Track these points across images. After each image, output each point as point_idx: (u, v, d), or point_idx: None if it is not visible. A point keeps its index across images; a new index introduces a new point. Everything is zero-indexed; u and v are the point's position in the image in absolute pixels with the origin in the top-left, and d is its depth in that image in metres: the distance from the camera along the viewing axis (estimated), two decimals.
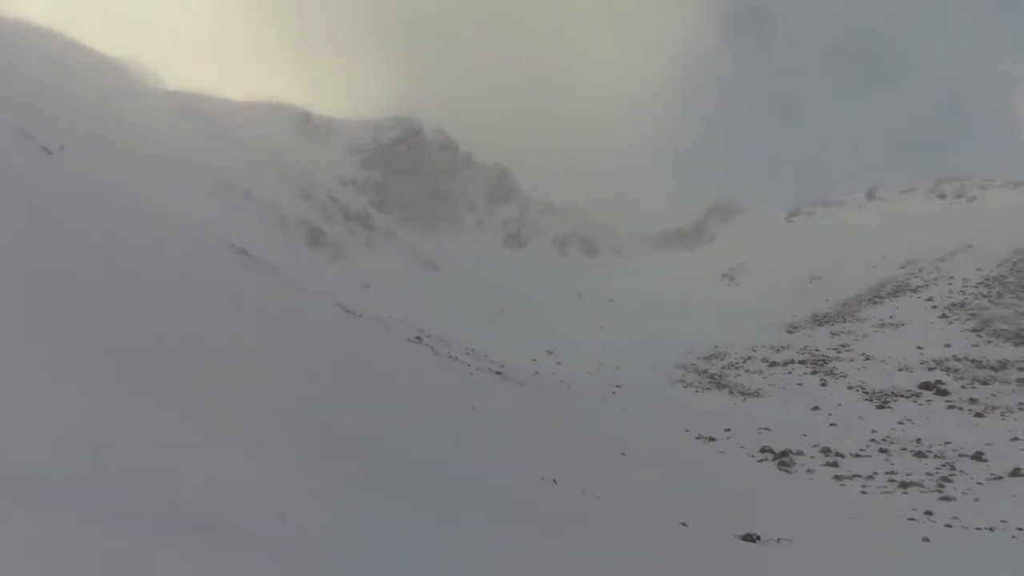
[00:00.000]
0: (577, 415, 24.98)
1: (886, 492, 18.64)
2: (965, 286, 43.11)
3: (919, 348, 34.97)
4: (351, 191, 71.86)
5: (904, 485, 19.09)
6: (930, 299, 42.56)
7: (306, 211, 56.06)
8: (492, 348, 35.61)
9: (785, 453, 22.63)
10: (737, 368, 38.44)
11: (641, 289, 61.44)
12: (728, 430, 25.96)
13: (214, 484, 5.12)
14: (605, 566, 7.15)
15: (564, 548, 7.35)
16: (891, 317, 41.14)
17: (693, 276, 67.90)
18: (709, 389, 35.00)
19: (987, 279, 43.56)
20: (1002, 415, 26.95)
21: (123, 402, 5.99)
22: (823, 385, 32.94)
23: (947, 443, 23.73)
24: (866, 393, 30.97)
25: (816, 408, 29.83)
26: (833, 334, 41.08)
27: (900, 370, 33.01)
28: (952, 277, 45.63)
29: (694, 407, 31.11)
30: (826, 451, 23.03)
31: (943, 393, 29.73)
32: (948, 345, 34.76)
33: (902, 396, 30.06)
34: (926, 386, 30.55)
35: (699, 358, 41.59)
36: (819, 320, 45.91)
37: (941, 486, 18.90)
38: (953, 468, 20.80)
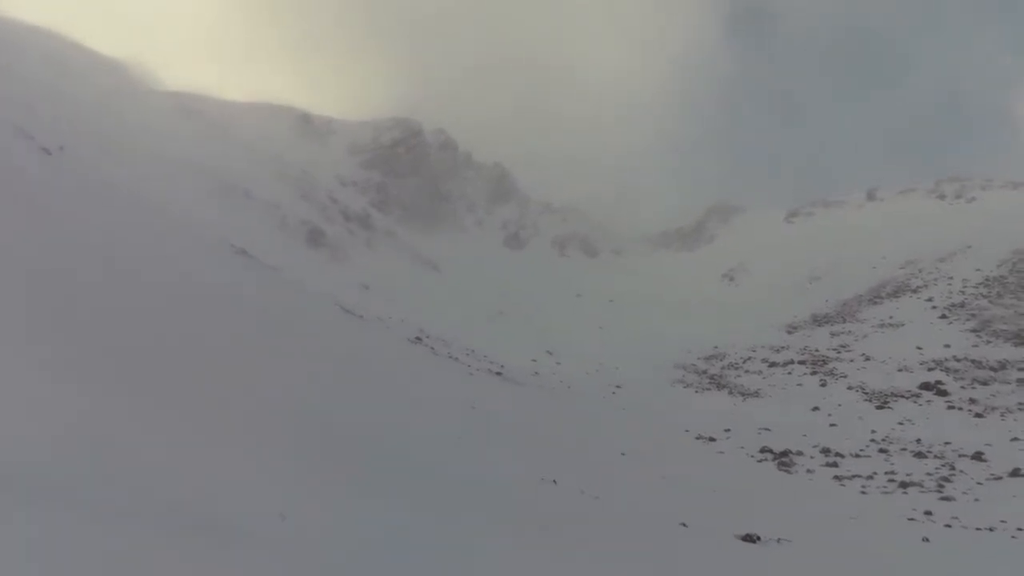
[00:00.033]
0: (577, 415, 24.98)
1: (886, 492, 18.64)
2: (965, 286, 43.11)
3: (919, 348, 34.97)
4: (351, 191, 71.85)
5: (904, 485, 19.08)
6: (930, 299, 42.56)
7: (306, 211, 56.05)
8: (492, 348, 35.61)
9: (785, 453, 22.63)
10: (737, 368, 38.44)
11: (641, 289, 61.43)
12: (728, 430, 25.96)
13: (214, 484, 5.12)
14: (605, 566, 7.15)
15: (564, 548, 7.36)
16: (891, 317, 41.14)
17: (693, 276, 67.90)
18: (709, 389, 34.99)
19: (987, 279, 43.56)
20: (1002, 415, 26.95)
21: (123, 402, 5.99)
22: (823, 385, 32.94)
23: (947, 443, 23.73)
24: (866, 393, 30.97)
25: (816, 408, 29.82)
26: (833, 334, 41.08)
27: (900, 370, 33.01)
28: (952, 277, 45.63)
29: (694, 407, 31.11)
30: (826, 451, 23.03)
31: (943, 393, 29.73)
32: (948, 345, 34.76)
33: (902, 396, 30.05)
34: (926, 386, 30.55)
35: (699, 358, 41.58)
36: (819, 320, 45.91)
37: (941, 486, 18.90)
38: (953, 468, 20.80)
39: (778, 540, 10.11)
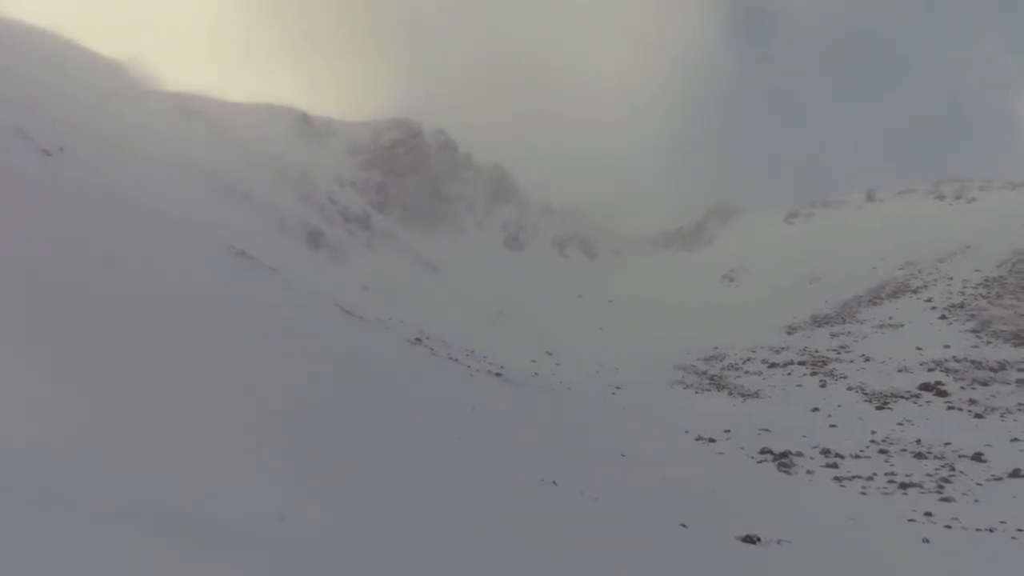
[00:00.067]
0: (577, 417, 24.95)
1: (886, 493, 18.63)
2: (964, 287, 43.12)
3: (919, 349, 34.96)
4: (351, 192, 71.84)
5: (904, 486, 19.07)
6: (929, 300, 42.56)
7: (306, 212, 56.04)
8: (492, 349, 35.60)
9: (785, 454, 22.62)
10: (737, 369, 38.42)
11: (641, 291, 61.41)
12: (728, 431, 25.94)
13: (214, 484, 5.12)
14: (605, 567, 7.14)
15: (564, 549, 7.35)
16: (890, 318, 41.14)
17: (693, 278, 67.88)
18: (709, 390, 34.97)
19: (986, 280, 43.56)
20: (1002, 416, 26.94)
21: (123, 402, 5.99)
22: (823, 386, 32.93)
23: (947, 444, 23.72)
24: (866, 394, 30.95)
25: (816, 409, 29.81)
26: (833, 335, 41.07)
27: (900, 371, 32.99)
28: (952, 278, 45.63)
29: (694, 408, 31.09)
30: (826, 452, 23.02)
31: (943, 394, 29.72)
32: (948, 346, 34.75)
33: (902, 397, 30.04)
34: (926, 387, 30.54)
35: (699, 359, 41.56)
36: (819, 321, 45.90)
37: (941, 487, 18.89)
38: (953, 469, 20.79)
39: (778, 541, 10.10)
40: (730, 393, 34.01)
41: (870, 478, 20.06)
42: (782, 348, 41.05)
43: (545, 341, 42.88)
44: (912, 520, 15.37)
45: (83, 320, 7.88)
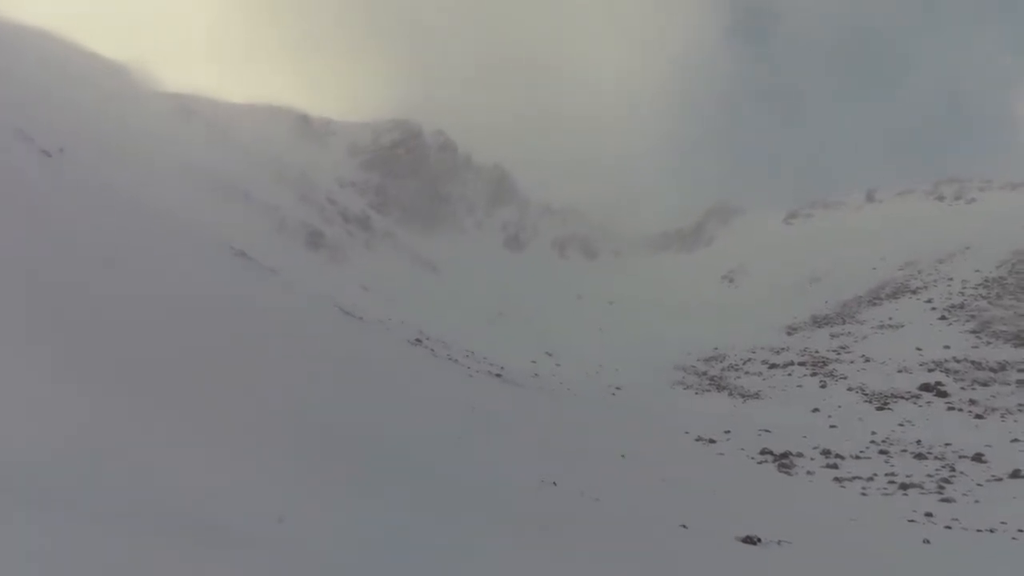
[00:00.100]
0: (577, 417, 24.95)
1: (886, 494, 18.62)
2: (964, 287, 43.12)
3: (919, 350, 34.96)
4: (350, 193, 71.83)
5: (904, 487, 19.06)
6: (929, 301, 42.56)
7: (305, 213, 56.03)
8: (492, 350, 35.59)
9: (785, 455, 22.61)
10: (737, 370, 38.42)
11: (641, 291, 61.39)
12: (728, 432, 25.93)
13: (214, 484, 5.11)
14: (605, 567, 7.14)
15: (564, 549, 7.35)
16: (890, 319, 41.13)
17: (692, 278, 67.85)
18: (709, 391, 34.97)
19: (986, 280, 43.56)
20: (1002, 416, 26.94)
21: (123, 402, 5.99)
22: (823, 387, 32.93)
23: (947, 445, 23.71)
24: (866, 395, 30.95)
25: (816, 410, 29.80)
26: (833, 336, 41.06)
27: (900, 372, 32.99)
28: (951, 279, 45.63)
29: (694, 409, 31.08)
30: (826, 453, 23.01)
31: (943, 395, 29.72)
32: (948, 347, 34.75)
33: (902, 398, 30.04)
34: (926, 388, 30.54)
35: (699, 360, 41.55)
36: (819, 322, 45.90)
37: (941, 488, 18.88)
38: (953, 470, 20.78)
39: (778, 542, 10.09)
40: (730, 394, 34.01)
41: (870, 479, 20.05)
42: (782, 349, 41.04)
43: (545, 342, 42.88)
44: (912, 521, 15.36)
45: (83, 320, 7.88)
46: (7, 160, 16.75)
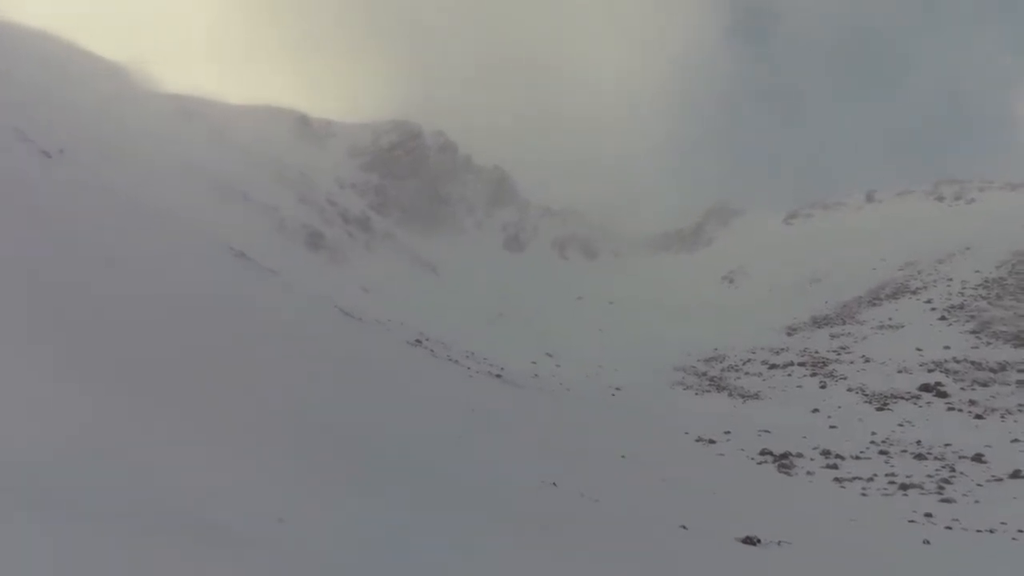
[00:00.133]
0: (577, 418, 24.96)
1: (886, 494, 18.62)
2: (964, 288, 43.14)
3: (918, 350, 34.98)
4: (350, 194, 71.85)
5: (904, 487, 19.07)
6: (929, 301, 42.58)
7: (305, 214, 56.05)
8: (492, 351, 35.60)
9: (785, 455, 22.61)
10: (737, 371, 38.43)
11: (641, 292, 61.40)
12: (728, 433, 25.94)
13: (215, 483, 5.12)
14: (605, 567, 7.14)
15: (564, 549, 7.35)
16: (890, 319, 41.15)
17: (692, 279, 67.86)
18: (709, 392, 34.98)
19: (986, 281, 43.58)
20: (1002, 417, 26.95)
21: (124, 402, 6.00)
22: (823, 387, 32.94)
23: (947, 445, 23.72)
24: (866, 395, 30.97)
25: (816, 410, 29.82)
26: (832, 336, 41.08)
27: (900, 372, 33.01)
28: (951, 279, 45.65)
29: (694, 410, 31.09)
30: (826, 453, 23.02)
31: (943, 395, 29.73)
32: (947, 347, 34.77)
33: (902, 398, 30.06)
34: (926, 388, 30.55)
35: (699, 361, 41.56)
36: (818, 322, 45.91)
37: (941, 488, 18.89)
38: (953, 470, 20.79)
39: (778, 542, 10.10)
40: (730, 394, 34.02)
41: (870, 479, 20.05)
42: (782, 349, 41.05)
43: (545, 342, 42.90)
44: (912, 521, 15.38)
45: (84, 320, 7.89)
46: (7, 161, 16.77)
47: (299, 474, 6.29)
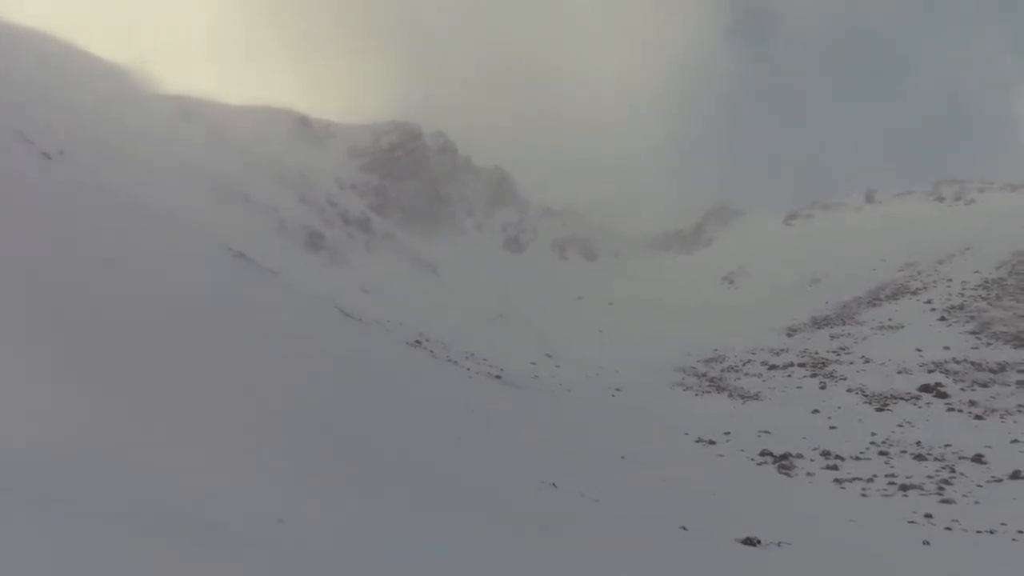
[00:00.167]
0: (576, 419, 24.95)
1: (886, 495, 18.62)
2: (964, 288, 43.16)
3: (918, 351, 34.99)
4: (350, 195, 71.82)
5: (904, 488, 19.07)
6: (929, 302, 42.59)
7: (305, 215, 56.03)
8: (491, 352, 35.60)
9: (785, 456, 22.61)
10: (737, 371, 38.43)
11: (640, 293, 61.39)
12: (728, 433, 25.94)
13: (214, 484, 5.11)
14: (605, 568, 7.14)
15: (564, 549, 7.35)
16: (890, 320, 41.16)
17: (692, 279, 67.86)
18: (709, 392, 34.98)
19: (986, 281, 43.60)
20: (1002, 417, 26.95)
21: (123, 402, 5.99)
22: (823, 388, 32.94)
23: (947, 446, 23.72)
24: (866, 396, 30.97)
25: (816, 411, 29.81)
26: (832, 337, 41.09)
27: (899, 373, 33.02)
28: (951, 280, 45.67)
29: (693, 410, 31.09)
30: (826, 454, 23.01)
31: (943, 395, 29.73)
32: (947, 347, 34.78)
33: (902, 399, 30.06)
34: (926, 388, 30.55)
35: (698, 361, 41.56)
36: (818, 323, 45.92)
37: (941, 489, 18.88)
38: (953, 471, 20.78)
39: (778, 543, 10.09)
40: (730, 395, 34.01)
41: (870, 480, 20.05)
42: (782, 350, 41.05)
43: (545, 343, 42.89)
44: (912, 522, 15.37)
45: (83, 320, 7.89)
46: (7, 161, 16.77)
47: (299, 474, 6.28)
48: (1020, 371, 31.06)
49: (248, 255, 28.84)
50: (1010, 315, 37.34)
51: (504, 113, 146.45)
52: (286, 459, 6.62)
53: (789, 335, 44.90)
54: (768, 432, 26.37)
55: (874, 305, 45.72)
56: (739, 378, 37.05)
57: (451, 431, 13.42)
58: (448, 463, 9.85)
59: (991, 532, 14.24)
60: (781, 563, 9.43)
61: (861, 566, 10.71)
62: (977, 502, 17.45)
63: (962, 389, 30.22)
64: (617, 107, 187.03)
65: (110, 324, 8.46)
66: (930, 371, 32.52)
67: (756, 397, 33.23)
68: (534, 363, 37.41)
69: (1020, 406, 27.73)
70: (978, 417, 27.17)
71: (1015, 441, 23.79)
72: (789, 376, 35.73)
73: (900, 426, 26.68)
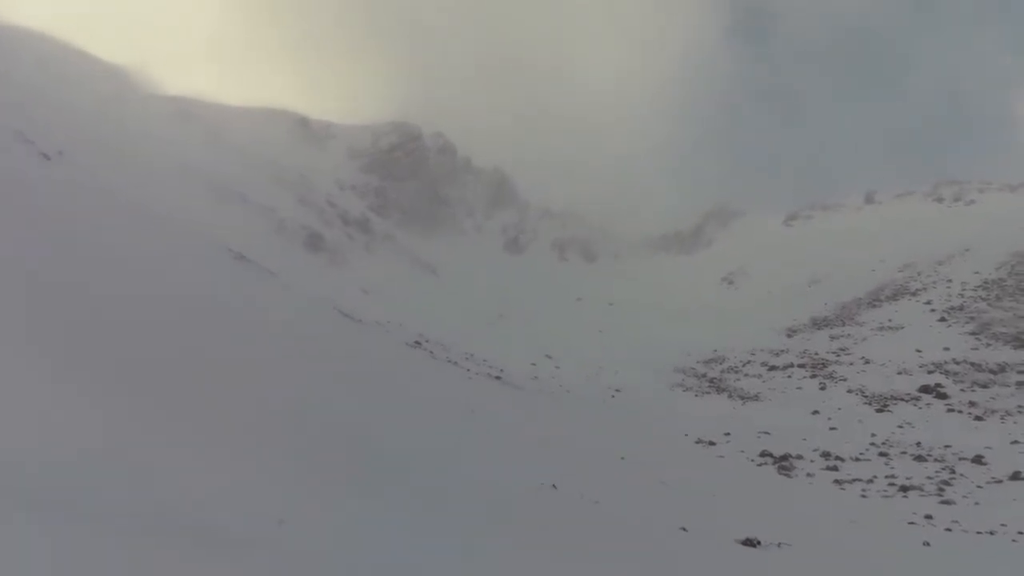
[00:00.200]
0: (576, 419, 24.95)
1: (886, 496, 18.62)
2: (964, 289, 43.18)
3: (918, 351, 34.99)
4: (350, 196, 71.84)
5: (904, 489, 19.07)
6: (929, 302, 42.61)
7: (304, 216, 56.03)
8: (491, 352, 35.59)
9: (785, 457, 22.61)
10: (736, 372, 38.44)
11: (640, 294, 61.41)
12: (728, 434, 25.94)
13: (214, 484, 5.11)
14: (604, 568, 7.13)
15: (564, 550, 7.34)
16: (890, 320, 41.17)
17: (692, 280, 67.87)
18: (708, 393, 34.98)
19: (985, 282, 43.62)
20: (1001, 418, 26.95)
21: (123, 403, 5.98)
22: (822, 389, 32.94)
23: (947, 446, 23.72)
24: (865, 397, 30.97)
25: (816, 412, 29.81)
26: (832, 338, 41.10)
27: (899, 373, 33.03)
28: (951, 280, 45.69)
29: (693, 411, 31.09)
30: (826, 455, 23.01)
31: (942, 396, 29.73)
32: (947, 348, 34.78)
33: (901, 399, 30.06)
34: (925, 389, 30.56)
35: (698, 362, 41.56)
36: (818, 324, 45.92)
37: (941, 490, 18.88)
38: (953, 472, 20.78)
39: (778, 544, 10.08)
40: (730, 396, 34.01)
41: (870, 481, 20.04)
42: (782, 351, 41.05)
43: (545, 344, 42.87)
44: (912, 523, 15.37)
45: (83, 320, 7.88)
46: (7, 162, 16.77)
47: (299, 474, 6.28)
48: (1020, 372, 31.07)
49: (248, 256, 28.83)
50: (1010, 316, 37.35)
51: (504, 114, 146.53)
52: (286, 459, 6.62)
53: (789, 336, 44.90)
54: (768, 433, 26.37)
55: (874, 306, 45.73)
56: (739, 379, 37.05)
57: (451, 431, 13.41)
58: (448, 463, 9.85)
59: (991, 533, 14.24)
60: (781, 564, 9.42)
61: (861, 567, 10.70)
62: (977, 503, 17.44)
63: (962, 390, 30.22)
64: (617, 108, 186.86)
65: (110, 324, 8.46)
66: (930, 372, 32.53)
67: (756, 398, 33.22)
68: (534, 364, 37.41)
69: (1020, 407, 27.73)
70: (978, 418, 27.17)
71: (1015, 442, 23.79)
72: (789, 377, 35.73)
73: (900, 427, 26.68)
